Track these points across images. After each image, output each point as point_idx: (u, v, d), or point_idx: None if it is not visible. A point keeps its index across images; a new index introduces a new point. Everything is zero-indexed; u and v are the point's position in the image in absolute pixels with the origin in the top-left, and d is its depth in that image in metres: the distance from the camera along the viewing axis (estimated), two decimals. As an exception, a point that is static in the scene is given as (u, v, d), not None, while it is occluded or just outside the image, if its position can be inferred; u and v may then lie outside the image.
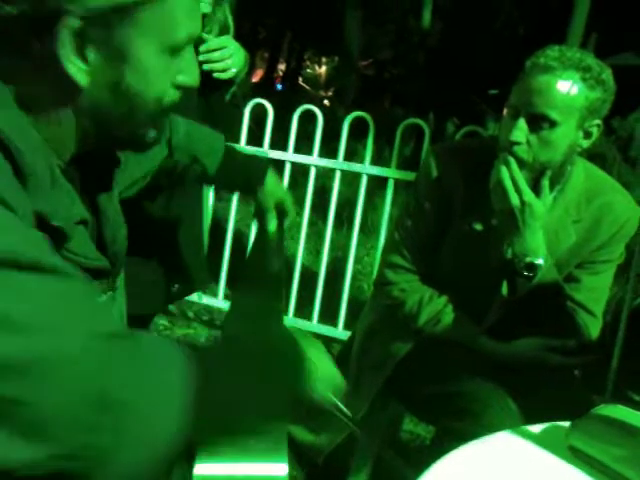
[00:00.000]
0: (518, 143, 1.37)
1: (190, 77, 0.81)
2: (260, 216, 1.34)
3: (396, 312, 1.58)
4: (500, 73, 9.83)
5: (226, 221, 3.39)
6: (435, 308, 1.54)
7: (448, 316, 1.53)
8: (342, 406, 0.83)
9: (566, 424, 1.04)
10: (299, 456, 1.63)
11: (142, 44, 0.72)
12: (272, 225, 1.33)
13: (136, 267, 1.71)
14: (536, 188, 1.42)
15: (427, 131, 3.04)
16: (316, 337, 3.07)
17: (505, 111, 1.45)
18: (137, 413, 0.65)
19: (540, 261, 1.42)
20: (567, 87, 1.34)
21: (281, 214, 1.34)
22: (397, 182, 3.15)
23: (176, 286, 1.80)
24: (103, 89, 0.73)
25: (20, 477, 0.61)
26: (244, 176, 1.32)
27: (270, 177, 1.32)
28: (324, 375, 0.84)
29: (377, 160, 3.44)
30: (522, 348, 1.50)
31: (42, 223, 0.68)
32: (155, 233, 1.74)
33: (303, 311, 3.20)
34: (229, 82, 1.73)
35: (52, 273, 0.63)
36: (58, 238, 0.70)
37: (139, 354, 0.68)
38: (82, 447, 0.62)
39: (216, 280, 3.31)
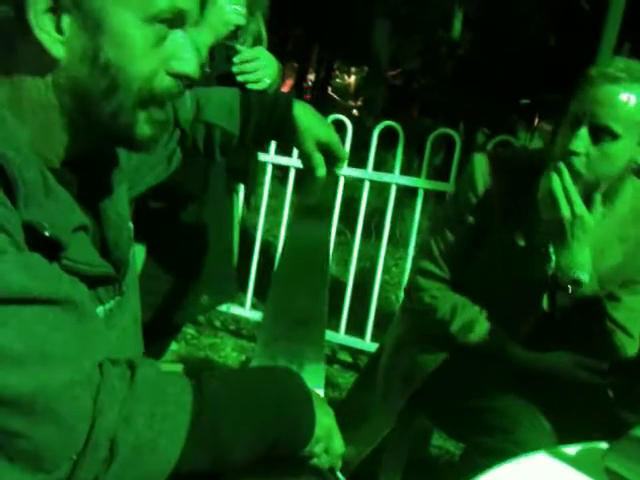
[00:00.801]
0: (577, 153, 1.33)
1: (185, 64, 0.74)
2: (304, 162, 1.15)
3: (427, 319, 1.55)
4: (531, 82, 9.75)
5: (254, 230, 3.40)
6: (469, 315, 1.51)
7: (482, 324, 1.50)
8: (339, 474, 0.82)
9: (603, 445, 1.00)
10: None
11: (119, 10, 0.68)
12: (321, 170, 1.13)
13: (167, 279, 1.72)
14: (586, 202, 1.37)
15: (458, 141, 3.01)
16: (343, 349, 3.04)
17: (563, 119, 1.40)
18: (130, 447, 0.64)
19: (585, 276, 1.38)
20: (634, 100, 1.30)
21: (330, 157, 1.15)
22: (427, 192, 3.13)
23: (205, 297, 1.81)
24: (81, 62, 0.69)
25: None
26: (268, 121, 1.13)
27: (301, 112, 1.12)
28: (325, 436, 0.80)
29: (406, 170, 3.42)
30: (555, 362, 1.47)
31: (34, 233, 0.66)
32: (187, 245, 1.75)
33: (330, 322, 3.18)
34: (262, 93, 1.73)
35: (45, 304, 0.62)
36: (53, 247, 0.68)
37: (136, 387, 0.66)
38: (74, 475, 0.62)
39: (244, 290, 3.31)
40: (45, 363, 0.60)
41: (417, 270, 1.60)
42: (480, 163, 1.51)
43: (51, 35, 0.67)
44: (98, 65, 0.69)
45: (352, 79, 30.68)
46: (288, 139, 1.13)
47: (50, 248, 0.67)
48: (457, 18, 11.46)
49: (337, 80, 30.87)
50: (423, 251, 1.62)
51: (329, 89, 25.16)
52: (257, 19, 1.80)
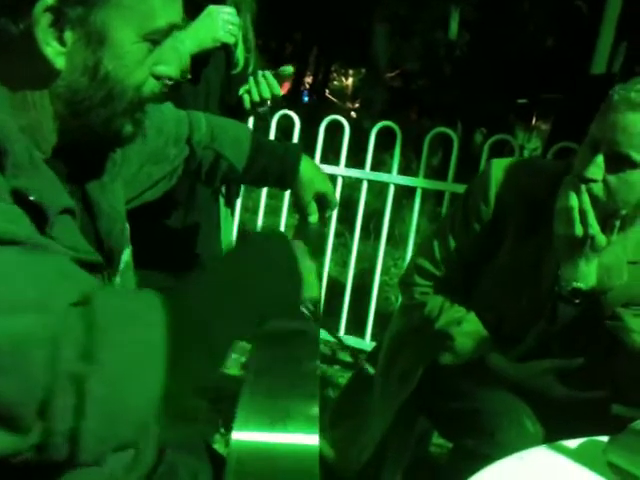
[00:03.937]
0: (594, 180, 1.29)
1: (170, 68, 0.79)
2: (299, 208, 1.25)
3: (415, 314, 1.54)
4: (528, 82, 9.76)
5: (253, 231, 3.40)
6: (457, 314, 1.50)
7: (469, 324, 1.48)
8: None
9: (604, 439, 1.01)
10: (329, 474, 1.60)
11: (121, 27, 0.71)
12: (313, 217, 1.24)
13: (152, 284, 1.70)
14: (604, 224, 1.33)
15: (455, 140, 3.01)
16: (343, 349, 3.03)
17: (584, 141, 1.34)
18: (103, 382, 0.59)
19: (583, 285, 1.36)
20: None
21: (322, 204, 1.25)
22: (425, 192, 3.13)
23: None
24: (80, 74, 0.71)
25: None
26: (275, 168, 1.21)
27: (305, 165, 1.21)
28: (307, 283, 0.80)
29: (405, 171, 3.42)
30: (531, 371, 1.46)
31: (21, 202, 0.65)
32: (173, 250, 1.73)
33: (330, 322, 3.18)
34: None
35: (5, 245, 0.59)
36: (38, 222, 0.67)
37: (95, 318, 0.60)
38: (49, 430, 0.57)
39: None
40: (8, 308, 0.57)
41: (414, 266, 1.58)
42: (496, 170, 1.47)
43: (54, 48, 0.68)
44: (97, 77, 0.72)
45: (350, 81, 30.72)
46: (288, 187, 1.23)
47: (35, 222, 0.66)
48: (454, 19, 11.48)
49: (335, 82, 30.90)
50: (423, 249, 1.62)
51: (327, 91, 25.18)
52: (245, 17, 1.77)
